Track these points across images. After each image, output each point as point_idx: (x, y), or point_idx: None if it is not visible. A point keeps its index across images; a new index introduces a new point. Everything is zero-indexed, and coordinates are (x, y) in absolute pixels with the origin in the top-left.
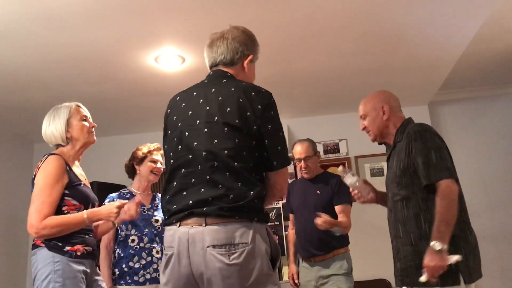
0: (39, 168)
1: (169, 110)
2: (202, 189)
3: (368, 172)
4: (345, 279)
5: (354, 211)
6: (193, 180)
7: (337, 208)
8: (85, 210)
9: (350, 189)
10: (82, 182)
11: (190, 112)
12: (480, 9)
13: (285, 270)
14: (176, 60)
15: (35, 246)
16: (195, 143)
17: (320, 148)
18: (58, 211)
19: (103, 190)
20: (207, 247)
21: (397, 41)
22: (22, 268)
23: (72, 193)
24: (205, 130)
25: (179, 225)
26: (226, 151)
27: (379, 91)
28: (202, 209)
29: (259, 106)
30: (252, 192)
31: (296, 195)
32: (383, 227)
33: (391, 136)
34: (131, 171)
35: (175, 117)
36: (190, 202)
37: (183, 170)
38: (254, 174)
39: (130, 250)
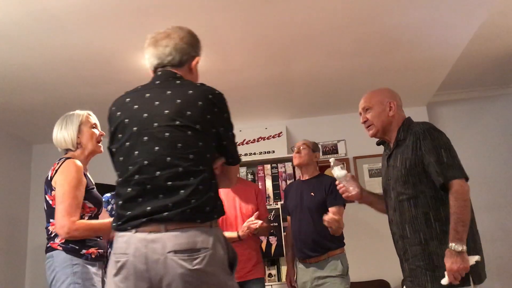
0: (55, 170)
1: (118, 113)
2: (161, 195)
3: (366, 172)
4: (340, 281)
5: (351, 211)
6: (148, 186)
7: (331, 210)
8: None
9: (336, 181)
10: (95, 186)
11: (145, 115)
12: (478, 10)
13: (284, 270)
14: None
15: (51, 249)
16: (156, 148)
17: None
18: None
19: (101, 191)
20: (168, 253)
21: (395, 42)
22: (20, 270)
23: (88, 197)
24: (166, 134)
25: (135, 232)
26: (192, 155)
27: (386, 87)
28: (162, 214)
29: (216, 109)
30: (211, 191)
31: (292, 197)
32: (381, 227)
33: (392, 133)
34: None
35: (126, 120)
36: (148, 208)
37: (137, 176)
38: (213, 173)
39: None
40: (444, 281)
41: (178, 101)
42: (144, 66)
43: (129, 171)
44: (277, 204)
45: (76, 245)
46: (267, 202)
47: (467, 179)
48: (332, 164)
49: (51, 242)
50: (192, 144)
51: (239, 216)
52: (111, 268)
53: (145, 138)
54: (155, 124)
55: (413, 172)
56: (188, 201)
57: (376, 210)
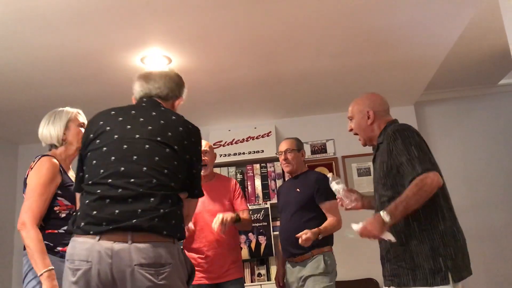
0: (31, 168)
1: (101, 122)
2: (130, 199)
3: (355, 171)
4: (321, 279)
5: (341, 210)
6: (119, 190)
7: (324, 207)
8: (50, 267)
9: (337, 196)
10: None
11: (129, 127)
12: (465, 10)
13: (273, 269)
14: (162, 61)
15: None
16: (135, 157)
17: (307, 149)
18: (50, 210)
19: None
20: (135, 265)
21: (383, 42)
22: (7, 270)
23: (64, 193)
24: (147, 146)
25: (99, 239)
26: (166, 170)
27: (368, 94)
28: (131, 221)
29: (192, 139)
30: (178, 209)
31: (281, 196)
32: None
33: (376, 138)
34: None
35: (108, 128)
36: (117, 211)
37: (109, 180)
38: (180, 196)
39: None
40: (355, 227)
41: (162, 122)
42: (131, 66)
43: (101, 174)
44: (266, 204)
45: (50, 242)
46: (256, 201)
47: (440, 174)
48: (330, 180)
49: None
50: (168, 161)
51: (212, 211)
52: (69, 276)
53: (125, 146)
54: (137, 135)
55: (389, 174)
56: (157, 209)
57: None
